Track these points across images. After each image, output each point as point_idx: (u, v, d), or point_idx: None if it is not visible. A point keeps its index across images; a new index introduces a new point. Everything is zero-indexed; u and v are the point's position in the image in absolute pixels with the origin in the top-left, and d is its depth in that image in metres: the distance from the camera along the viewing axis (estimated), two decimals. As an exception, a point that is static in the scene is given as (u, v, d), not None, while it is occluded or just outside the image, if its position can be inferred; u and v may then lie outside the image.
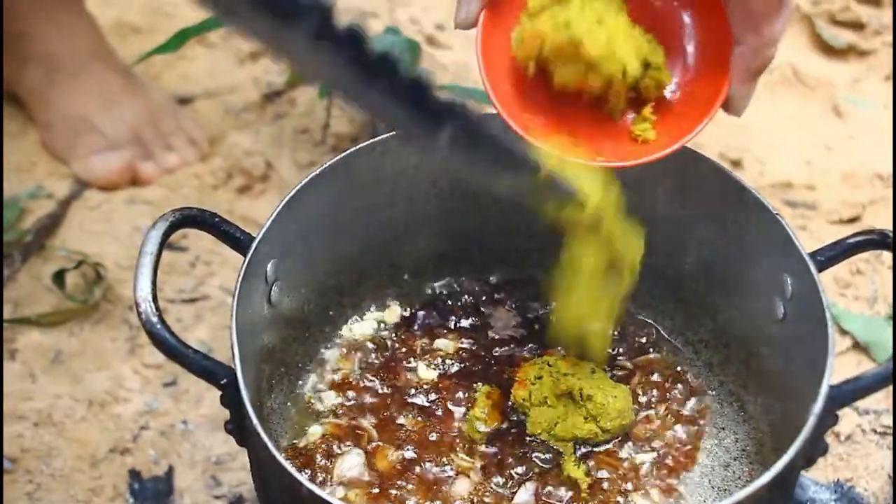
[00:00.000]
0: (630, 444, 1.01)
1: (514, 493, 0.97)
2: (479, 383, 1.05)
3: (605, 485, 0.97)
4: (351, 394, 1.04)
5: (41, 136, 1.52)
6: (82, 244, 1.40)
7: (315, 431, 1.01)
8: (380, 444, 1.00)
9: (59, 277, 1.33)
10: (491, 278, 1.14)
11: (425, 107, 0.72)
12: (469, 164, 0.83)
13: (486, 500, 0.96)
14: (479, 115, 0.79)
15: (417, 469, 0.98)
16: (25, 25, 1.49)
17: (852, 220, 1.46)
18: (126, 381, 1.26)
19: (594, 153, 0.92)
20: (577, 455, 0.99)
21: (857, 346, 1.31)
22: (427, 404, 1.03)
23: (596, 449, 1.00)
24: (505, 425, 1.01)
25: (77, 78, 1.49)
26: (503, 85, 0.92)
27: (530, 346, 1.08)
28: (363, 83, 0.69)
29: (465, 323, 1.10)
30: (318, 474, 0.98)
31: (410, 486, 0.97)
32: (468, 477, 0.97)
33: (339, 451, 0.99)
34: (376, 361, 1.07)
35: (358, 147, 1.02)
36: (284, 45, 0.67)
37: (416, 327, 1.10)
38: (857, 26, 1.76)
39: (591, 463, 0.99)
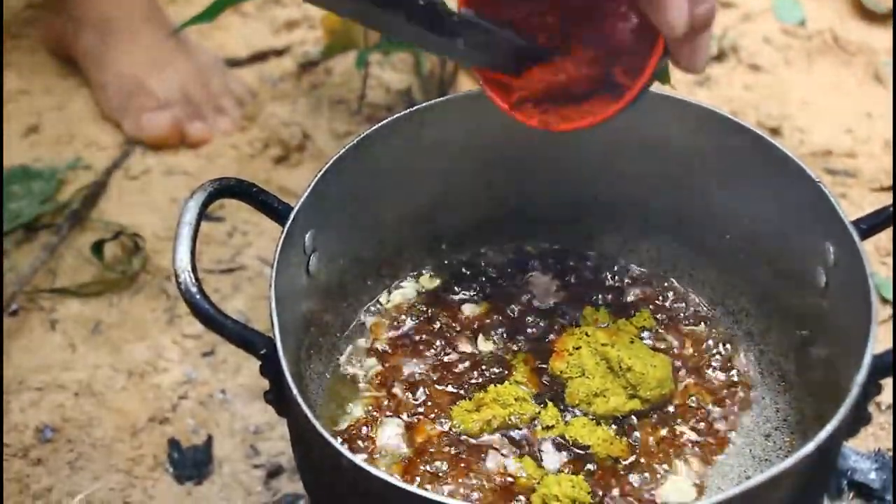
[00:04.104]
0: (670, 413, 1.00)
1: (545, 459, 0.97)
2: (518, 350, 1.04)
3: (645, 454, 0.97)
4: (389, 363, 1.04)
5: (95, 97, 1.55)
6: (120, 215, 1.41)
7: (357, 411, 1.01)
8: (418, 413, 1.00)
9: (97, 248, 1.34)
10: (530, 247, 1.14)
11: (440, 26, 0.82)
12: (488, 62, 0.91)
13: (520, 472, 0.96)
14: (490, 25, 0.88)
15: (456, 439, 0.98)
16: None
17: (893, 188, 1.45)
18: (165, 352, 1.27)
19: (557, 120, 0.94)
20: (616, 427, 0.98)
21: (899, 315, 1.30)
22: (465, 371, 1.03)
23: (635, 418, 0.99)
24: (544, 392, 1.01)
25: (130, 39, 1.52)
26: None
27: (569, 314, 1.08)
28: (378, 12, 0.78)
29: (503, 291, 1.10)
30: (358, 444, 0.98)
31: (448, 458, 0.97)
32: (502, 452, 0.97)
33: (378, 421, 0.99)
34: (414, 330, 1.07)
35: (395, 117, 1.02)
36: None
37: (453, 296, 1.10)
38: (899, -9, 1.73)
39: (631, 432, 0.98)
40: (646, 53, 0.89)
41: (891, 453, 1.16)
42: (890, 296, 1.30)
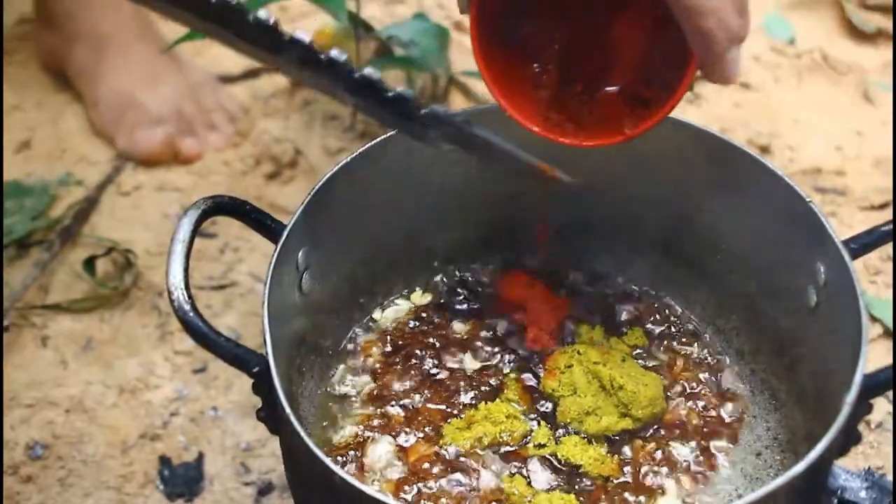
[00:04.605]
0: (661, 432, 1.00)
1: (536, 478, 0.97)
2: (509, 368, 1.05)
3: (636, 473, 0.97)
4: (381, 380, 1.04)
5: (88, 112, 1.55)
6: (112, 231, 1.41)
7: (349, 429, 1.01)
8: (410, 431, 1.00)
9: (89, 264, 1.34)
10: (522, 265, 1.14)
11: (410, 117, 0.81)
12: (463, 156, 0.89)
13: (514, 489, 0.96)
14: (463, 119, 0.86)
15: (447, 458, 0.98)
16: (73, 4, 1.53)
17: (883, 207, 1.45)
18: (156, 368, 1.27)
19: (585, 135, 0.95)
20: (607, 446, 0.99)
21: (888, 334, 1.30)
22: (457, 389, 1.03)
23: (627, 437, 0.99)
24: (536, 410, 1.01)
25: (123, 55, 1.52)
26: (497, 68, 0.94)
27: (561, 332, 1.08)
28: (351, 96, 0.79)
29: (495, 308, 1.10)
30: (349, 462, 0.98)
31: (439, 476, 0.97)
32: (493, 470, 0.97)
33: (370, 439, 0.99)
34: (406, 347, 1.07)
35: (389, 134, 1.02)
36: (274, 66, 0.79)
37: (446, 313, 1.10)
38: (888, 10, 1.75)
39: (623, 451, 0.98)
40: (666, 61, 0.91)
41: (880, 472, 1.16)
42: (879, 314, 1.30)
